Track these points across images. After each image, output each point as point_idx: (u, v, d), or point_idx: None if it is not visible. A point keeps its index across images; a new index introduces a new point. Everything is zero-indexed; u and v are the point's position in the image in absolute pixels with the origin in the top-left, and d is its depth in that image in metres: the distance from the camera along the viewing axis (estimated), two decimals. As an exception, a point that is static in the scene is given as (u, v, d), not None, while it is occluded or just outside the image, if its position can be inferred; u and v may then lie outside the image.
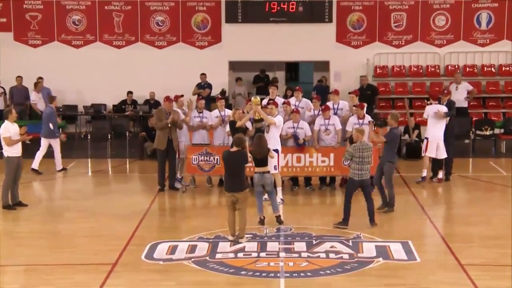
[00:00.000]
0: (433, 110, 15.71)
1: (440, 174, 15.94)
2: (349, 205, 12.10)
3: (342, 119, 15.06)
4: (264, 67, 23.64)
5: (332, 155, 14.62)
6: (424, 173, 15.85)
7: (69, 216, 13.43)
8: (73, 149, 20.33)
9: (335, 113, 15.12)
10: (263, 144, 12.35)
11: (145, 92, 22.39)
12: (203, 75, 21.79)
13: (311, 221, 12.70)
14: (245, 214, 11.30)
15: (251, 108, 14.96)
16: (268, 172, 12.37)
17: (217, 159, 14.87)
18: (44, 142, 17.34)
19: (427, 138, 15.83)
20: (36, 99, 20.96)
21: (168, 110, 15.13)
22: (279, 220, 12.25)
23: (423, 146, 15.96)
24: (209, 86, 21.73)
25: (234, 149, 11.40)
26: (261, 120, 14.02)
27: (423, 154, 15.95)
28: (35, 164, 17.22)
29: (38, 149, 17.34)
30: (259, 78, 23.51)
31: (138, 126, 22.31)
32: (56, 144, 17.43)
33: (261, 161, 12.28)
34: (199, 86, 21.68)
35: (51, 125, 17.20)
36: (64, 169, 17.71)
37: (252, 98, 14.39)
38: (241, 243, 11.13)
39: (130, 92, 22.39)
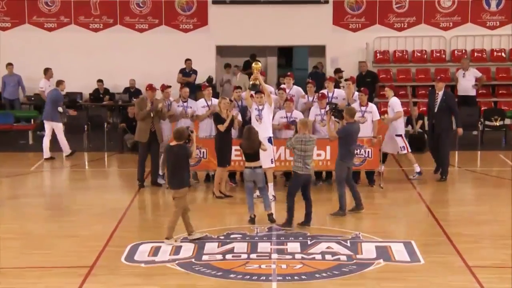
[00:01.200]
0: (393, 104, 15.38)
1: (418, 168, 15.70)
2: (293, 203, 12.00)
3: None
4: (254, 52, 23.59)
5: (328, 148, 14.61)
6: (418, 168, 15.72)
7: (42, 214, 13.39)
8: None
9: (330, 102, 15.09)
10: (253, 137, 12.33)
11: (125, 79, 22.34)
12: (188, 60, 21.75)
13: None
14: (177, 214, 11.27)
15: (239, 96, 15.01)
16: (260, 167, 12.36)
17: (203, 152, 14.87)
18: (47, 126, 18.47)
19: (401, 135, 15.46)
20: (45, 87, 20.88)
21: (151, 99, 15.11)
22: (271, 219, 12.26)
23: (401, 143, 15.45)
24: (195, 73, 21.71)
25: (174, 143, 11.32)
26: (256, 86, 14.12)
27: (403, 152, 15.52)
28: (46, 153, 18.28)
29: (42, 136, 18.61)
30: (249, 64, 23.44)
31: (117, 116, 22.26)
32: (58, 128, 18.46)
33: (252, 155, 12.28)
34: (183, 73, 21.65)
35: (60, 109, 18.49)
36: (73, 152, 18.65)
37: (253, 64, 14.43)
38: (168, 244, 11.10)
39: (100, 81, 22.31)
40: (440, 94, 15.64)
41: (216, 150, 14.23)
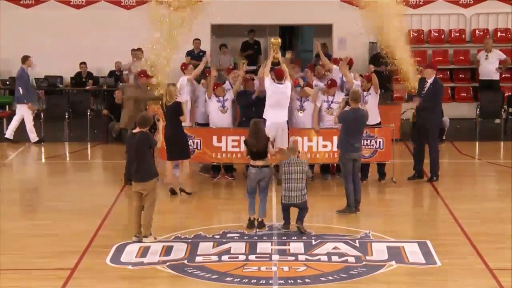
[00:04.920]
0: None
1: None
2: (288, 225, 11.85)
3: None
4: (254, 30, 23.50)
5: (335, 138, 14.61)
6: None
7: (17, 211, 13.40)
8: (22, 130, 20.24)
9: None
10: (261, 134, 12.16)
11: (110, 62, 22.29)
12: (196, 40, 21.36)
13: (310, 218, 12.70)
14: (152, 209, 11.32)
15: (236, 77, 15.06)
16: (267, 166, 12.14)
17: (197, 142, 14.89)
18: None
19: None
20: (134, 70, 20.85)
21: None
22: (260, 225, 12.09)
23: None
24: (204, 54, 21.46)
25: (137, 130, 11.32)
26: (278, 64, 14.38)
27: None
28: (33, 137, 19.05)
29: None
30: (248, 44, 23.39)
31: (102, 103, 22.25)
32: (23, 111, 19.06)
33: (259, 153, 12.11)
34: (191, 55, 21.29)
35: (20, 89, 18.89)
36: (10, 140, 19.08)
37: (272, 39, 14.60)
38: (144, 243, 11.15)
39: (83, 63, 22.25)
40: (429, 82, 15.07)
41: (180, 143, 14.03)
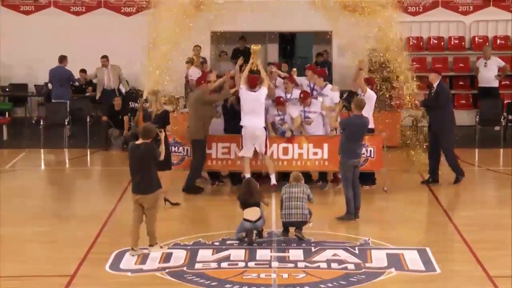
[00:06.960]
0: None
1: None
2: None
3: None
4: (254, 38, 23.49)
5: (326, 145, 14.61)
6: None
7: (15, 217, 13.36)
8: (22, 137, 20.29)
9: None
10: (254, 190, 11.80)
11: (110, 68, 22.30)
12: (196, 47, 21.14)
13: (309, 225, 12.70)
14: (154, 218, 11.21)
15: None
16: (260, 218, 11.69)
17: (187, 150, 14.88)
18: None
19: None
20: (195, 75, 20.76)
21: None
22: (259, 234, 12.00)
23: None
24: (205, 61, 21.43)
25: (140, 141, 11.18)
26: (258, 72, 14.54)
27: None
28: None
29: None
30: (239, 51, 23.26)
31: (101, 109, 22.22)
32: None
33: (251, 205, 11.72)
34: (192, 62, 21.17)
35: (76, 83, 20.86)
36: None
37: (253, 46, 14.80)
38: (149, 252, 11.07)
39: (82, 70, 22.17)
40: (434, 87, 15.23)
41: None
